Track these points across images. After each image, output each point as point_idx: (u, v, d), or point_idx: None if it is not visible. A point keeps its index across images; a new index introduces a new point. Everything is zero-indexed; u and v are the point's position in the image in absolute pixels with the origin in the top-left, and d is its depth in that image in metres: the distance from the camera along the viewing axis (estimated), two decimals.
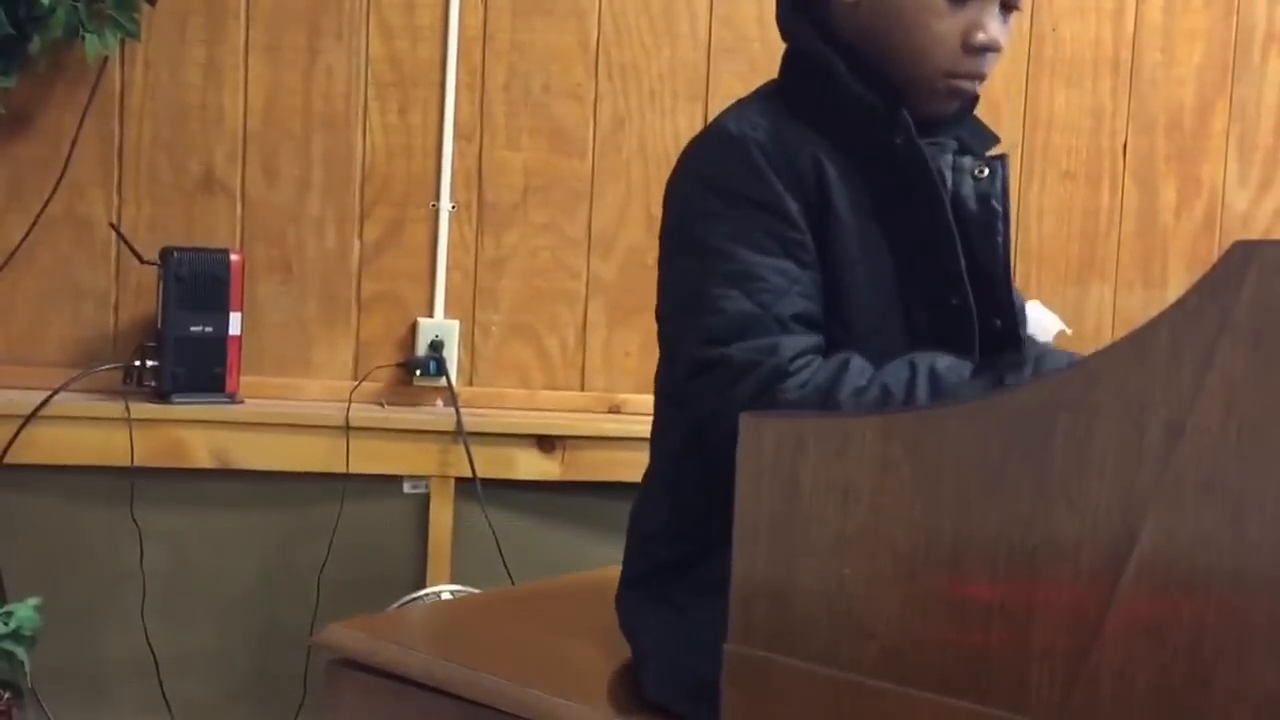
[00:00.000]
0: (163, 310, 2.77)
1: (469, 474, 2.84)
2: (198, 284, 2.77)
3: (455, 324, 2.97)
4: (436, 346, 2.94)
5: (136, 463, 2.72)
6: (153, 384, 2.79)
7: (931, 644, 1.18)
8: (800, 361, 1.55)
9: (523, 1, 2.95)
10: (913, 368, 1.53)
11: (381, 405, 2.94)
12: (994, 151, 1.79)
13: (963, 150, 1.75)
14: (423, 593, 2.71)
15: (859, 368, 1.54)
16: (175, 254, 2.77)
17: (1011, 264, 1.76)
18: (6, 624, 2.55)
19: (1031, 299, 2.63)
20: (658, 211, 1.78)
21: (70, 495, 2.77)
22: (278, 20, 2.89)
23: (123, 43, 2.79)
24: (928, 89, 1.69)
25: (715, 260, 1.61)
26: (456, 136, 2.95)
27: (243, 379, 2.84)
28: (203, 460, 2.78)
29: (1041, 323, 2.67)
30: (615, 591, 1.86)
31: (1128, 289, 3.18)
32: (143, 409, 2.74)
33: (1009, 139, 2.96)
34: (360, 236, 2.95)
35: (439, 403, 2.96)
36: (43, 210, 2.82)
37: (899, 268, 1.66)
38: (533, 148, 2.98)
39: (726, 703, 1.33)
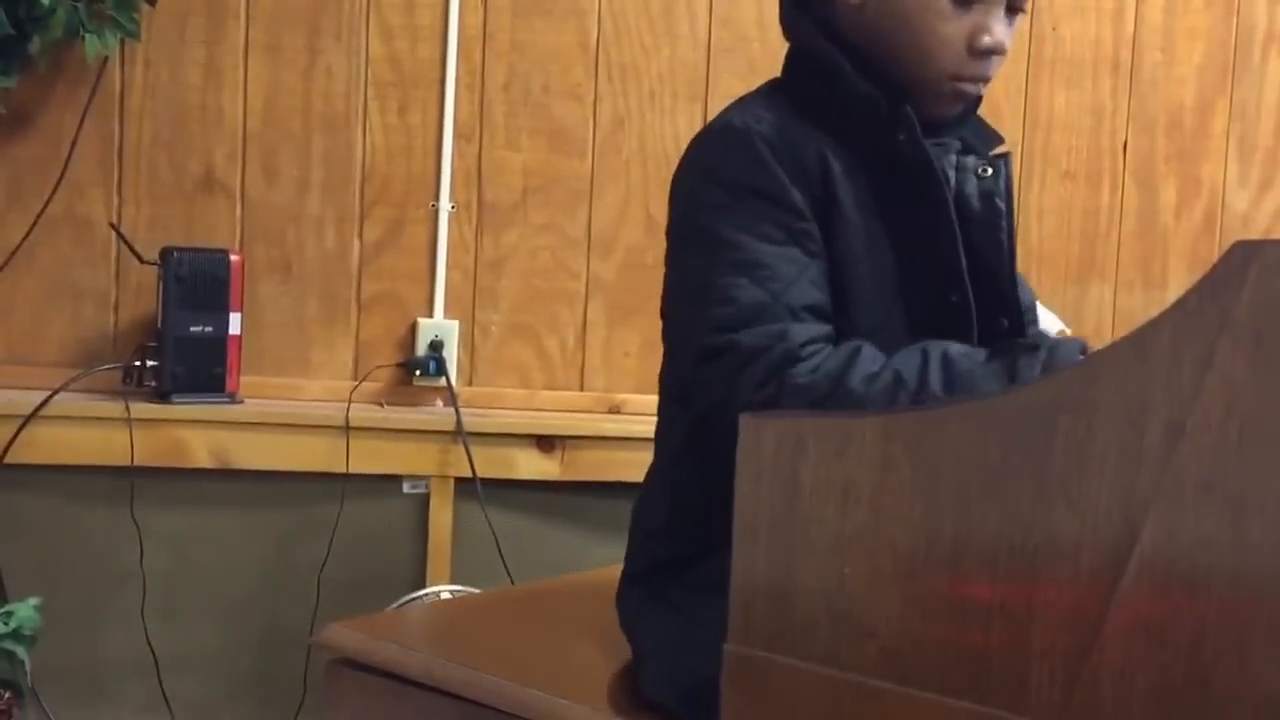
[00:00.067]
0: (163, 310, 2.77)
1: (469, 474, 2.84)
2: (198, 284, 2.77)
3: (455, 324, 2.97)
4: (436, 346, 2.94)
5: (136, 463, 2.72)
6: (153, 384, 2.79)
7: (932, 644, 1.18)
8: (811, 348, 1.55)
9: (523, 1, 2.95)
10: (925, 355, 1.52)
11: (381, 405, 2.94)
12: (997, 151, 1.79)
13: (966, 150, 1.75)
14: (422, 593, 2.71)
15: (870, 355, 1.54)
16: (175, 254, 2.77)
17: (1017, 263, 1.76)
18: (7, 623, 2.55)
19: None
20: (657, 211, 1.79)
21: (70, 495, 2.77)
22: (278, 20, 2.89)
23: (123, 43, 2.79)
24: (933, 91, 1.69)
25: (723, 251, 1.61)
26: (456, 136, 2.95)
27: (243, 379, 2.85)
28: (203, 460, 2.78)
29: (1042, 323, 2.67)
30: (616, 590, 1.86)
31: (1128, 289, 3.18)
32: (143, 409, 2.74)
33: (1009, 139, 2.95)
34: (360, 236, 2.95)
35: (439, 403, 2.96)
36: (43, 210, 2.82)
37: (901, 264, 1.67)
38: (532, 148, 2.98)
39: (726, 703, 1.33)
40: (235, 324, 2.81)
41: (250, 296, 2.88)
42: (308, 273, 2.93)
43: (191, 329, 2.77)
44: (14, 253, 2.83)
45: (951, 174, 1.71)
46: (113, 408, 2.73)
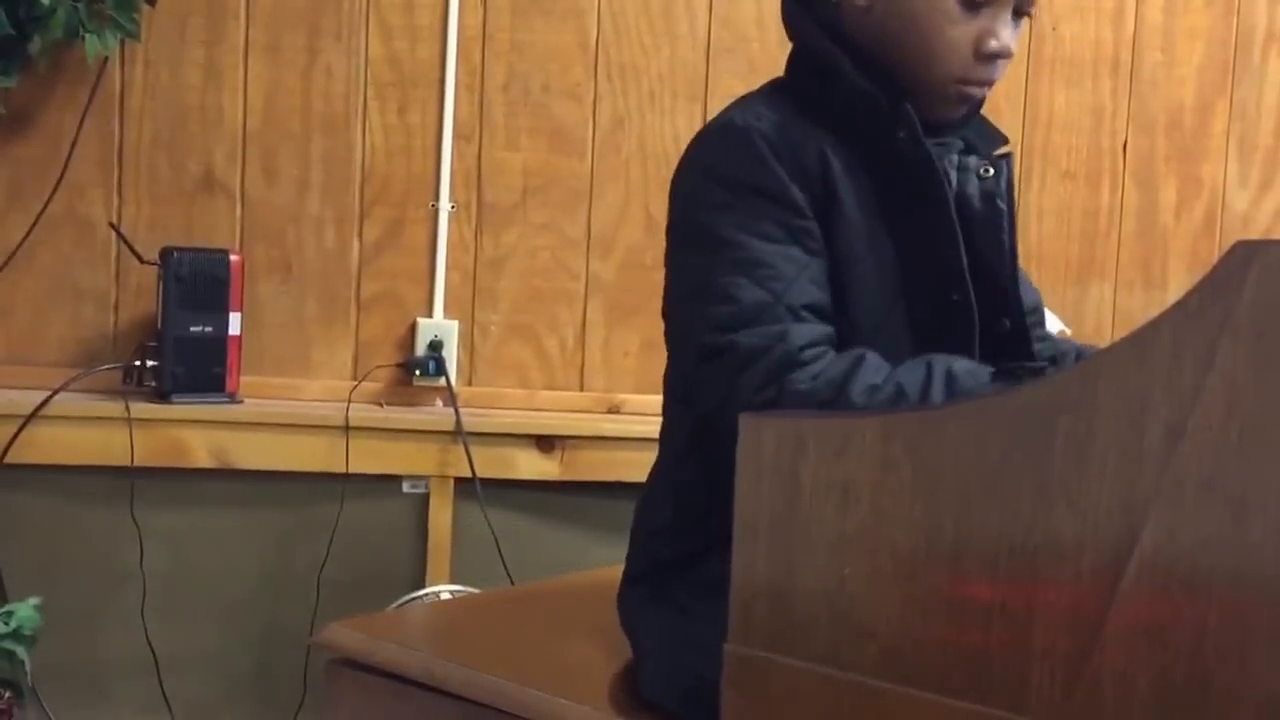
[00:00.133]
0: (163, 310, 2.77)
1: (468, 474, 2.84)
2: (198, 284, 2.77)
3: (454, 324, 2.97)
4: (436, 346, 2.94)
5: (136, 463, 2.72)
6: (153, 384, 2.79)
7: (932, 644, 1.18)
8: (812, 352, 1.54)
9: (522, 1, 2.95)
10: (929, 369, 1.52)
11: (381, 405, 2.94)
12: (1000, 151, 1.79)
13: (968, 149, 1.75)
14: (422, 593, 2.71)
15: (874, 365, 1.53)
16: (175, 254, 2.77)
17: (1019, 264, 1.76)
18: (7, 623, 2.55)
19: None
20: (657, 211, 1.78)
21: (70, 495, 2.77)
22: (277, 20, 2.89)
23: (123, 43, 2.79)
24: (939, 94, 1.68)
25: (723, 250, 1.61)
26: (456, 136, 2.95)
27: (243, 379, 2.85)
28: (202, 460, 2.78)
29: (1045, 321, 2.67)
30: (616, 591, 1.86)
31: (1128, 289, 3.18)
32: (143, 409, 2.75)
33: (1009, 138, 2.96)
34: (360, 236, 2.95)
35: (438, 403, 2.96)
36: (43, 210, 2.82)
37: (902, 263, 1.66)
38: (532, 148, 2.98)
39: (727, 703, 1.33)
40: (235, 324, 2.81)
41: (250, 296, 2.88)
42: (307, 273, 2.93)
43: (191, 329, 2.77)
44: (14, 253, 2.83)
45: (953, 174, 1.71)
46: (113, 408, 2.73)
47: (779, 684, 1.28)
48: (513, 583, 2.82)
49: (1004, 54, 1.66)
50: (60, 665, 2.76)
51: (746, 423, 1.30)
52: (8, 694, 2.60)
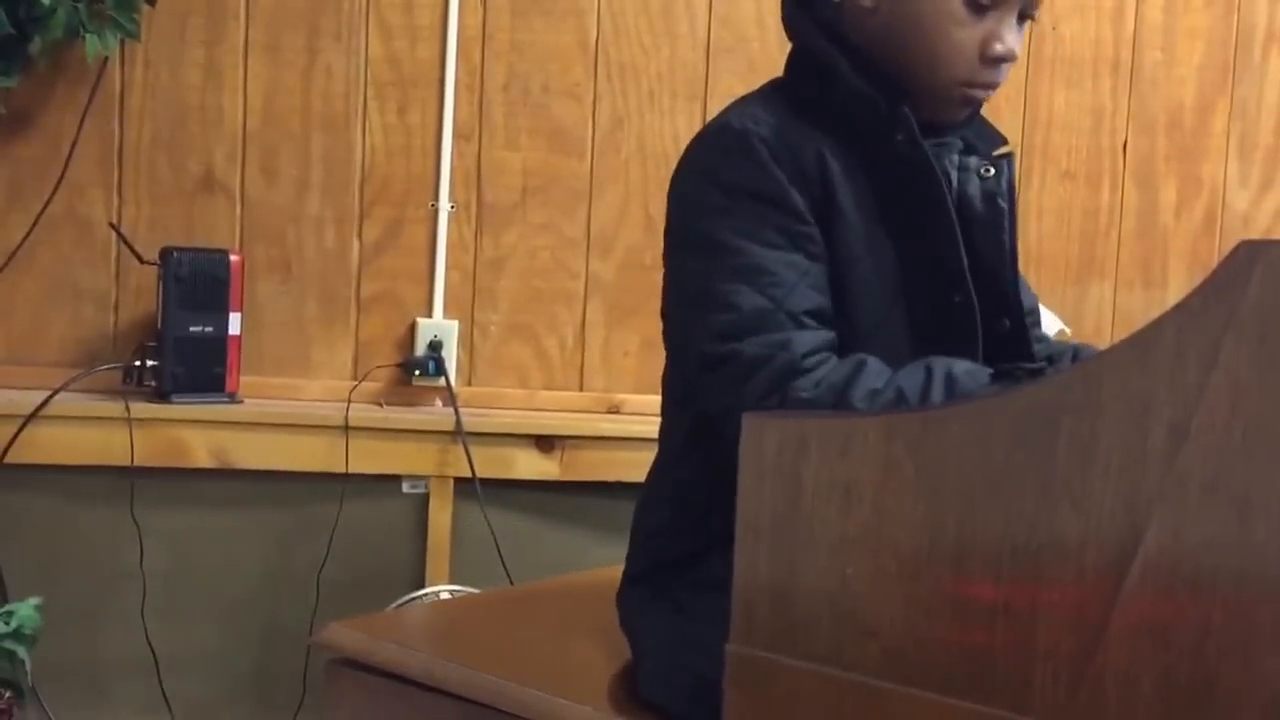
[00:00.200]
0: (163, 310, 2.77)
1: (468, 474, 2.84)
2: (198, 284, 2.77)
3: (454, 324, 2.96)
4: (435, 346, 2.94)
5: (136, 463, 2.72)
6: (153, 384, 2.79)
7: (935, 644, 1.18)
8: (814, 359, 1.54)
9: (522, 1, 2.95)
10: (929, 372, 1.52)
11: (381, 405, 2.94)
12: (1000, 151, 1.79)
13: (968, 150, 1.75)
14: (422, 592, 2.71)
15: (875, 370, 1.53)
16: (175, 254, 2.76)
17: (1020, 264, 1.76)
18: (7, 623, 2.55)
19: None
20: (656, 211, 1.78)
21: (70, 495, 2.77)
22: (277, 20, 2.88)
23: (123, 43, 2.79)
24: (943, 97, 1.68)
25: (723, 256, 1.60)
26: (455, 136, 2.95)
27: (242, 379, 2.85)
28: (202, 460, 2.78)
29: (1042, 323, 2.67)
30: (616, 591, 1.86)
31: (1128, 289, 3.18)
32: (143, 409, 2.74)
33: (1009, 139, 2.96)
34: (359, 236, 2.95)
35: (438, 403, 2.96)
36: (43, 210, 2.82)
37: (902, 265, 1.66)
38: (532, 148, 2.98)
39: (728, 703, 1.33)
40: (235, 324, 2.81)
41: (250, 296, 2.88)
42: (307, 273, 2.93)
43: (191, 329, 2.77)
44: (14, 253, 2.83)
45: (953, 174, 1.71)
46: (113, 408, 2.73)
47: (781, 684, 1.28)
48: (512, 583, 2.82)
49: (1009, 57, 1.66)
50: (60, 665, 2.76)
51: (749, 423, 1.30)
52: (8, 694, 2.60)
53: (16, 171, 2.83)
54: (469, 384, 2.98)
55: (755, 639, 1.30)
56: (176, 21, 2.85)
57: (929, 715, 1.19)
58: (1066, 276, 3.16)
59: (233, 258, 2.80)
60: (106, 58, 2.77)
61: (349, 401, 2.85)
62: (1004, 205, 1.71)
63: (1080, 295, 3.16)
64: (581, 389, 3.03)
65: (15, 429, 2.69)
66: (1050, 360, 1.79)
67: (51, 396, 2.72)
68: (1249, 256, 1.02)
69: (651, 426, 1.89)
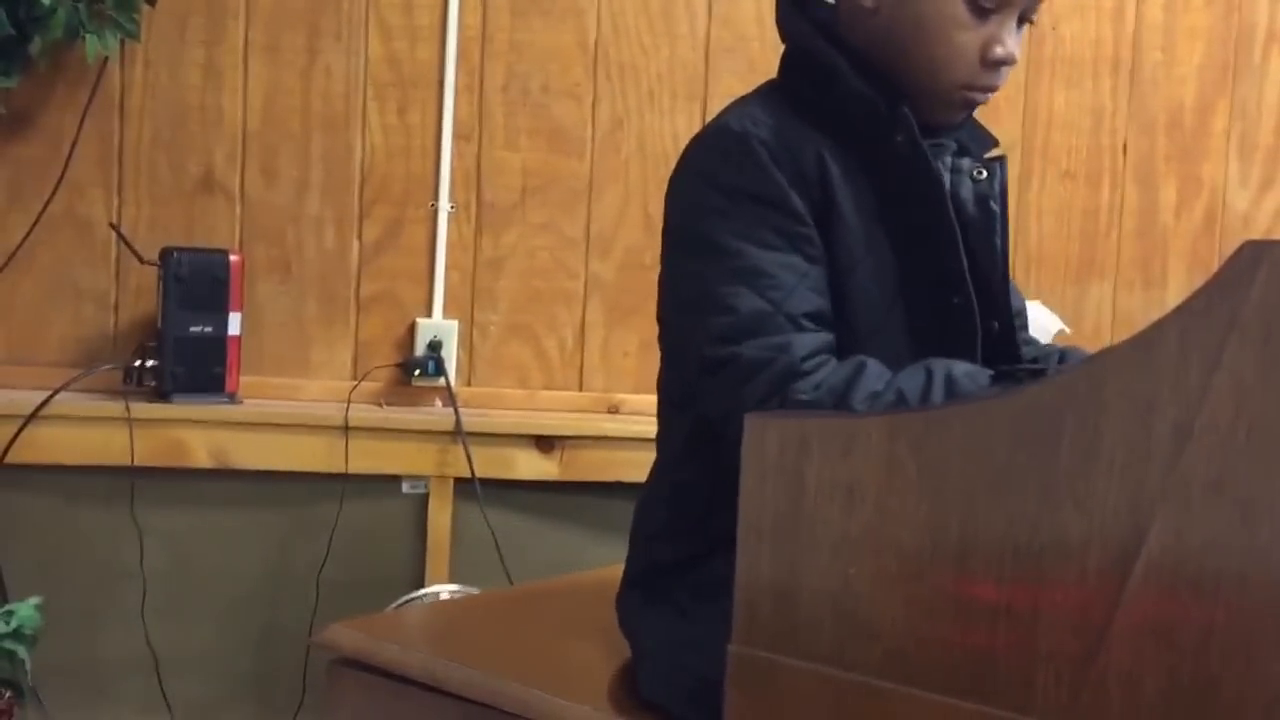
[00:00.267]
0: (163, 310, 2.77)
1: (468, 474, 2.84)
2: (198, 284, 2.76)
3: (454, 324, 2.96)
4: (435, 346, 2.94)
5: (136, 463, 2.72)
6: (153, 384, 2.79)
7: (937, 645, 1.18)
8: (813, 361, 1.54)
9: (521, 1, 2.95)
10: (929, 374, 1.51)
11: (380, 405, 2.94)
12: (992, 154, 1.79)
13: (961, 152, 1.75)
14: (422, 592, 2.71)
15: (875, 372, 1.53)
16: (175, 254, 2.76)
17: (1010, 266, 1.76)
18: (7, 623, 2.55)
19: (1032, 299, 2.63)
20: (656, 211, 1.78)
21: (70, 495, 2.77)
22: (277, 21, 2.88)
23: (123, 43, 2.79)
24: (943, 99, 1.67)
25: (721, 258, 1.60)
26: (455, 137, 2.95)
27: (242, 379, 2.84)
28: (202, 460, 2.78)
29: (1041, 323, 2.67)
30: (616, 591, 1.86)
31: (1128, 289, 3.18)
32: (143, 409, 2.74)
33: (1009, 139, 2.96)
34: (359, 237, 2.95)
35: (438, 403, 2.96)
36: (43, 210, 2.82)
37: (901, 267, 1.66)
38: (531, 148, 2.98)
39: (730, 703, 1.33)
40: (235, 324, 2.80)
41: (250, 296, 2.88)
42: (307, 273, 2.93)
43: (191, 329, 2.77)
44: (14, 253, 2.82)
45: (946, 176, 1.71)
46: (113, 408, 2.73)
47: (783, 684, 1.28)
48: (512, 583, 2.82)
49: (1009, 61, 1.66)
50: (60, 665, 2.76)
51: (751, 423, 1.30)
52: (8, 694, 2.60)
53: (16, 171, 2.83)
54: (469, 384, 2.98)
55: (757, 639, 1.30)
56: (176, 21, 2.85)
57: (931, 716, 1.19)
58: (1066, 276, 3.16)
59: (232, 258, 2.80)
60: (106, 58, 2.77)
61: (349, 402, 2.85)
62: (996, 208, 1.71)
63: (1080, 295, 3.16)
64: (581, 389, 3.03)
65: (15, 429, 2.68)
66: (1035, 362, 1.79)
67: (51, 396, 2.72)
68: (1253, 257, 1.01)
69: (651, 427, 1.89)
